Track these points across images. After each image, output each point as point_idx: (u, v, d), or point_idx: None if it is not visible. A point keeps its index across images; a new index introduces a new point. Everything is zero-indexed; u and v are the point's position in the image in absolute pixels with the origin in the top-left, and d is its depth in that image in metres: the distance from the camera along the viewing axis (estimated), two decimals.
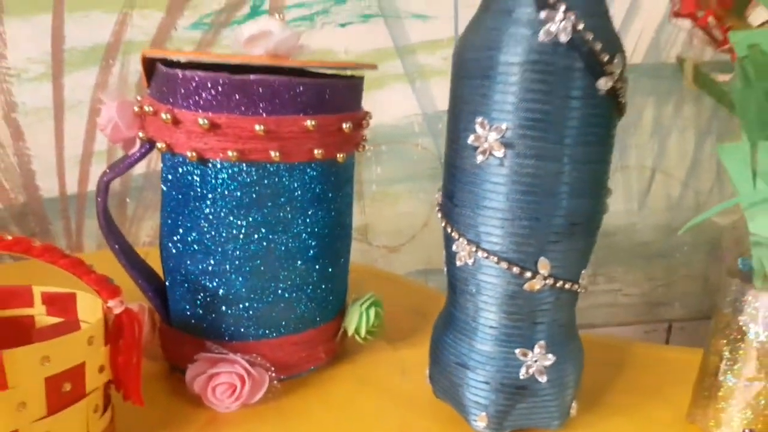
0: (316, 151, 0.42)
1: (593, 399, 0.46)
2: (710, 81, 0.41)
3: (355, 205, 0.82)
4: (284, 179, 0.42)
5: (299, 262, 0.44)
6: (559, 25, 0.34)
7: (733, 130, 0.85)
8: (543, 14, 0.34)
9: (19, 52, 0.67)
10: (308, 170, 0.42)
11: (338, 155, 0.44)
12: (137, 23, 0.70)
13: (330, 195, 0.45)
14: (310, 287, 0.45)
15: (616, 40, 0.36)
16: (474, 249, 0.38)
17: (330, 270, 0.47)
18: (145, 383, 0.38)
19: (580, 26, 0.34)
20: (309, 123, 0.41)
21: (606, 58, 0.34)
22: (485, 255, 0.38)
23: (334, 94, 0.43)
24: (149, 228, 0.76)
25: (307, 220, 0.44)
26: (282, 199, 0.42)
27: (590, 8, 0.34)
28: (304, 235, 0.44)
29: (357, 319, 0.49)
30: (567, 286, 0.38)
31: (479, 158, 0.37)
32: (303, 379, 0.47)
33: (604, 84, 0.35)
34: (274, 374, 0.44)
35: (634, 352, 0.55)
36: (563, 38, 0.34)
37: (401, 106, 0.78)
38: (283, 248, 0.43)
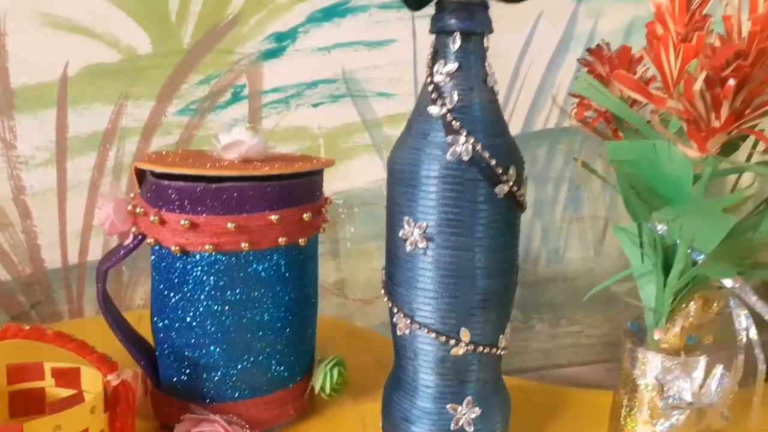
0: (280, 239, 0.50)
1: None
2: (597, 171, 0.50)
3: (332, 262, 0.90)
4: (253, 264, 0.50)
5: (269, 333, 0.52)
6: (462, 147, 0.42)
7: None
8: (449, 138, 0.43)
9: (28, 143, 0.76)
10: (274, 255, 0.51)
11: (300, 240, 0.52)
12: (131, 112, 0.79)
13: (294, 273, 0.53)
14: (280, 354, 0.53)
15: (511, 154, 0.44)
16: (409, 321, 0.46)
17: (297, 337, 0.55)
18: None
19: (479, 147, 0.42)
20: (274, 217, 0.49)
21: (500, 170, 0.43)
22: (418, 326, 0.46)
23: (296, 190, 0.51)
24: (143, 292, 0.84)
25: (275, 297, 0.52)
26: (252, 281, 0.50)
27: (488, 131, 0.43)
28: (272, 309, 0.52)
29: (322, 379, 0.57)
30: (486, 350, 0.46)
31: (408, 248, 0.45)
32: None
33: (500, 191, 0.43)
34: (249, 431, 0.52)
35: (565, 396, 0.62)
36: (465, 157, 0.42)
37: (371, 172, 0.87)
38: (254, 322, 0.51)
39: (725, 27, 0.35)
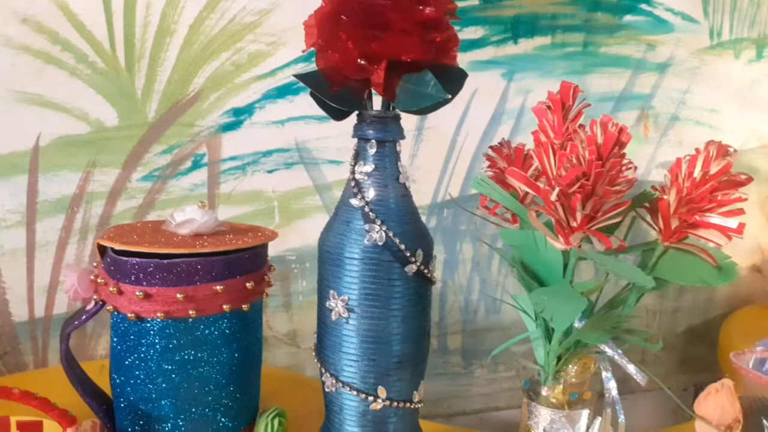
0: (225, 306, 0.58)
1: None
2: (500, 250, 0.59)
3: (285, 314, 0.97)
4: (200, 329, 0.57)
5: (215, 389, 0.59)
6: (377, 234, 0.51)
7: None
8: (367, 226, 0.51)
9: (0, 206, 0.82)
10: (219, 321, 0.58)
11: (243, 306, 0.59)
12: (98, 178, 0.86)
13: (238, 335, 0.60)
14: (224, 407, 0.60)
15: (420, 239, 0.53)
16: (335, 380, 0.54)
17: (241, 391, 0.61)
18: None
19: (391, 234, 0.51)
20: (219, 287, 0.57)
21: (409, 253, 0.51)
22: (342, 385, 0.53)
23: (240, 263, 0.59)
24: (105, 342, 0.90)
25: (220, 357, 0.59)
26: (199, 343, 0.57)
27: (400, 220, 0.52)
28: (218, 367, 0.59)
29: (263, 429, 0.63)
30: (402, 404, 0.54)
31: (334, 317, 0.53)
32: None
33: (410, 270, 0.52)
34: None
35: None
36: (380, 242, 0.51)
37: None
38: (201, 379, 0.58)
39: (574, 154, 0.44)
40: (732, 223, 0.49)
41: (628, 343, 0.55)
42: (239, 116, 0.90)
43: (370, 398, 0.53)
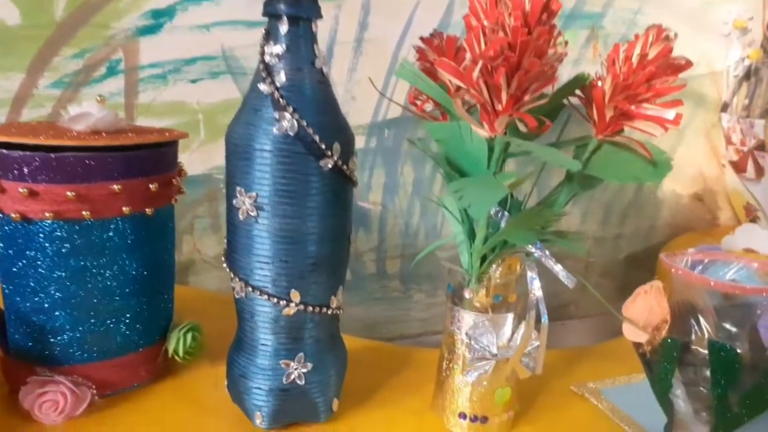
0: (124, 209, 0.52)
1: (361, 395, 0.59)
2: (428, 149, 0.54)
3: (214, 236, 0.92)
4: (97, 233, 0.52)
5: (117, 299, 0.54)
6: (288, 123, 0.46)
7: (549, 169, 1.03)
8: (277, 114, 0.46)
9: None
10: (119, 224, 0.53)
11: (147, 210, 0.54)
12: (0, 84, 0.78)
13: (142, 242, 0.55)
14: (129, 319, 0.55)
15: (338, 132, 0.48)
16: (245, 285, 0.50)
17: (147, 303, 0.57)
18: None
19: (304, 123, 0.46)
20: (116, 187, 0.51)
21: (324, 146, 0.47)
22: (252, 289, 0.49)
23: (141, 161, 0.53)
24: None
25: (122, 265, 0.54)
26: (95, 249, 0.52)
27: (315, 110, 0.47)
28: (119, 276, 0.54)
29: (175, 343, 0.59)
30: (317, 310, 0.50)
31: (241, 216, 0.48)
32: (126, 394, 0.57)
33: (325, 164, 0.47)
34: (95, 392, 0.54)
35: (409, 356, 0.67)
36: (291, 132, 0.46)
37: None
38: (100, 288, 0.53)
39: (499, 22, 0.40)
40: (669, 113, 0.46)
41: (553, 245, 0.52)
42: (159, 19, 0.82)
43: (282, 303, 0.49)
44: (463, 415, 0.53)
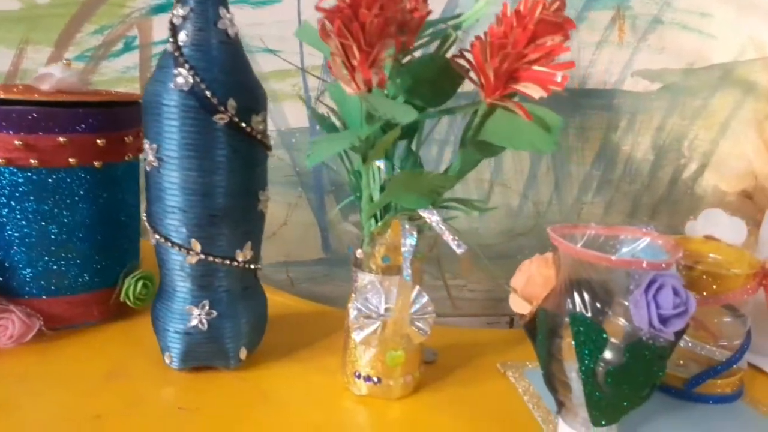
0: (71, 160, 0.58)
1: (280, 350, 0.61)
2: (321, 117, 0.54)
3: None
4: (47, 181, 0.58)
5: (68, 242, 0.60)
6: (183, 80, 0.49)
7: (563, 149, 0.99)
8: (175, 71, 0.49)
9: None
10: (68, 175, 0.59)
11: (95, 163, 0.60)
12: (31, 56, 0.88)
13: (93, 193, 0.61)
14: (80, 261, 0.61)
15: (237, 90, 0.50)
16: (154, 233, 0.54)
17: (101, 250, 0.63)
18: None
19: (198, 79, 0.49)
20: (61, 139, 0.57)
21: (216, 101, 0.49)
22: (159, 237, 0.53)
23: (88, 118, 0.59)
24: None
25: (73, 212, 0.60)
26: (46, 194, 0.58)
27: (217, 69, 0.50)
28: (71, 222, 0.60)
29: (126, 288, 0.65)
30: (222, 261, 0.53)
31: (148, 167, 0.52)
32: (77, 330, 0.63)
33: (219, 119, 0.50)
34: (43, 323, 0.60)
35: (339, 317, 0.68)
36: (185, 88, 0.49)
37: None
38: (54, 232, 0.59)
39: None
40: (555, 75, 0.44)
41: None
42: None
43: (183, 251, 0.52)
44: (358, 375, 0.54)
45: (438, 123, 0.96)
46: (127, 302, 0.65)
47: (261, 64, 0.93)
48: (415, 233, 0.49)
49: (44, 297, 0.61)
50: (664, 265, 0.41)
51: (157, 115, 0.51)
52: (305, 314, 0.71)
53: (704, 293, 0.53)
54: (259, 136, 0.53)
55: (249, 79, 0.52)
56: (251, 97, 0.52)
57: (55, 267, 0.61)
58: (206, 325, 0.54)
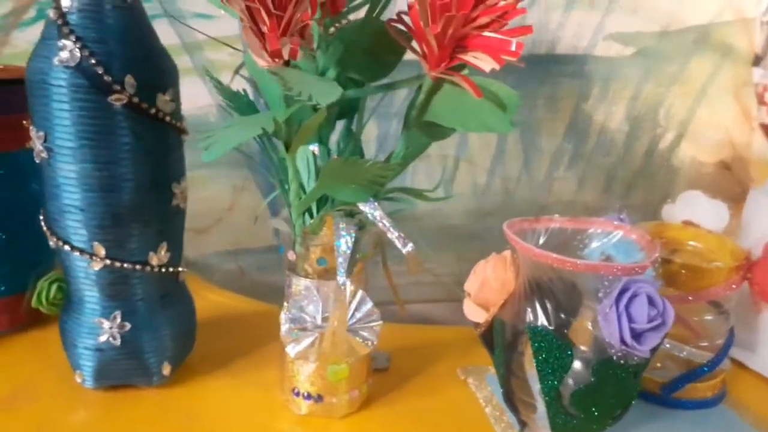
0: None
1: (213, 361, 0.54)
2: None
3: None
4: None
5: None
6: (68, 54, 0.41)
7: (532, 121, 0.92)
8: (60, 43, 0.41)
9: None
10: None
11: None
12: None
13: None
14: None
15: (137, 64, 0.42)
16: (51, 235, 0.46)
17: (7, 253, 0.55)
18: None
19: (86, 53, 0.41)
20: None
21: (110, 79, 0.41)
22: (56, 240, 0.45)
23: None
24: None
25: None
26: None
27: (113, 39, 0.41)
28: None
29: (38, 293, 0.57)
30: (129, 266, 0.46)
31: (37, 159, 0.44)
32: None
33: (116, 101, 0.42)
34: None
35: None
36: (72, 63, 0.41)
37: (195, 98, 0.85)
38: None
39: None
40: (509, 43, 0.37)
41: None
42: None
43: (86, 256, 0.45)
44: (296, 392, 0.48)
45: (386, 98, 0.88)
46: (41, 309, 0.58)
47: (195, 33, 0.84)
48: (352, 232, 0.42)
49: None
50: (637, 269, 0.35)
51: (42, 97, 0.42)
52: (248, 316, 0.64)
53: (683, 290, 0.47)
54: (167, 119, 0.45)
55: (152, 50, 0.44)
56: (155, 72, 0.44)
57: None
58: (119, 340, 0.47)
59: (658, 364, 0.50)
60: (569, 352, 0.35)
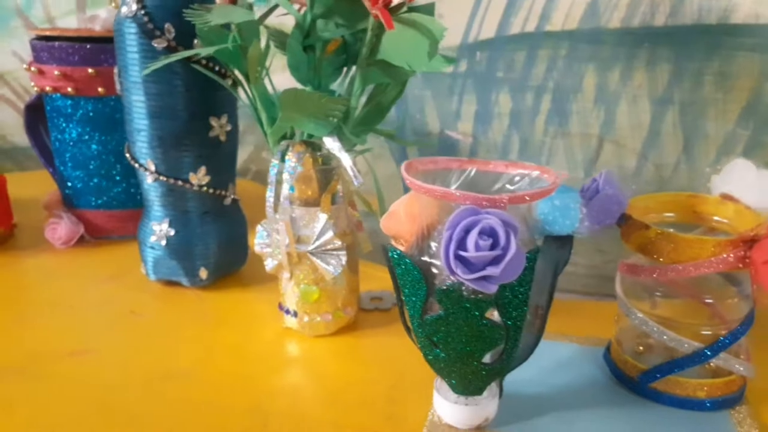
0: (99, 89, 0.67)
1: (248, 280, 0.62)
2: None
3: None
4: (86, 107, 0.68)
5: (108, 164, 0.70)
6: (127, 8, 0.53)
7: (696, 101, 0.87)
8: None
9: None
10: (96, 103, 0.68)
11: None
12: None
13: (118, 120, 0.69)
14: (120, 180, 0.70)
15: (175, 14, 0.52)
16: (127, 151, 0.59)
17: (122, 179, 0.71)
18: None
19: (139, 5, 0.52)
20: (91, 71, 0.66)
21: (152, 26, 0.52)
22: (130, 158, 0.59)
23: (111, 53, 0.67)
24: None
25: (113, 137, 0.69)
26: (89, 118, 0.68)
27: None
28: (111, 147, 0.69)
29: None
30: (175, 182, 0.57)
31: (120, 92, 0.58)
32: (115, 241, 0.73)
33: (158, 44, 0.53)
34: (85, 231, 0.71)
35: None
36: (129, 15, 0.53)
37: None
38: (98, 151, 0.69)
39: None
40: None
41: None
42: None
43: (142, 171, 0.57)
44: (281, 306, 0.53)
45: (523, 71, 0.87)
46: None
47: None
48: (294, 158, 0.46)
49: (88, 209, 0.72)
50: (485, 201, 0.32)
51: (118, 41, 0.55)
52: None
53: (665, 261, 0.39)
54: (203, 61, 0.54)
55: (187, 4, 0.54)
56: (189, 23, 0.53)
57: (95, 185, 0.71)
58: (165, 241, 0.58)
59: (640, 348, 0.43)
60: (416, 273, 0.34)
